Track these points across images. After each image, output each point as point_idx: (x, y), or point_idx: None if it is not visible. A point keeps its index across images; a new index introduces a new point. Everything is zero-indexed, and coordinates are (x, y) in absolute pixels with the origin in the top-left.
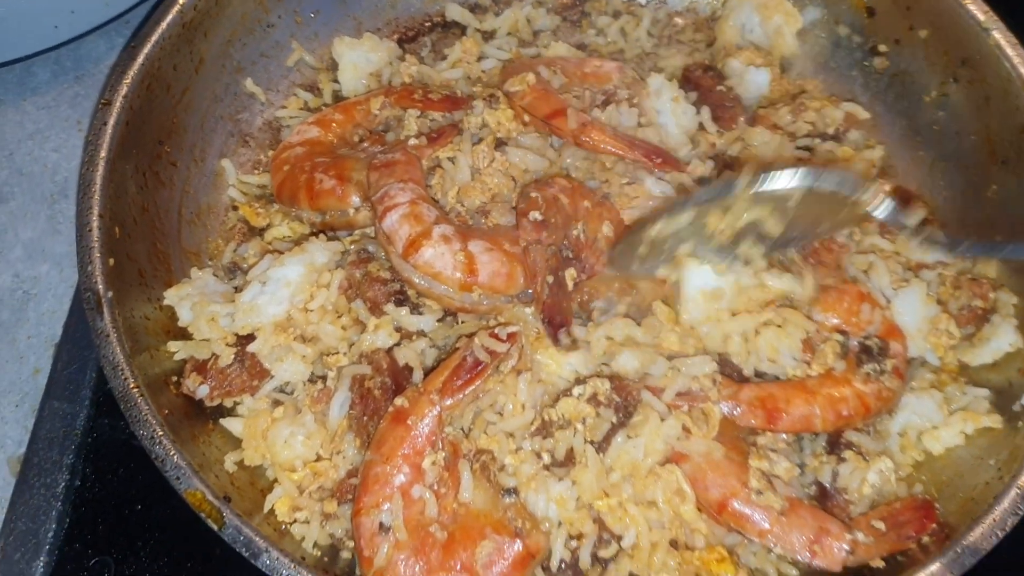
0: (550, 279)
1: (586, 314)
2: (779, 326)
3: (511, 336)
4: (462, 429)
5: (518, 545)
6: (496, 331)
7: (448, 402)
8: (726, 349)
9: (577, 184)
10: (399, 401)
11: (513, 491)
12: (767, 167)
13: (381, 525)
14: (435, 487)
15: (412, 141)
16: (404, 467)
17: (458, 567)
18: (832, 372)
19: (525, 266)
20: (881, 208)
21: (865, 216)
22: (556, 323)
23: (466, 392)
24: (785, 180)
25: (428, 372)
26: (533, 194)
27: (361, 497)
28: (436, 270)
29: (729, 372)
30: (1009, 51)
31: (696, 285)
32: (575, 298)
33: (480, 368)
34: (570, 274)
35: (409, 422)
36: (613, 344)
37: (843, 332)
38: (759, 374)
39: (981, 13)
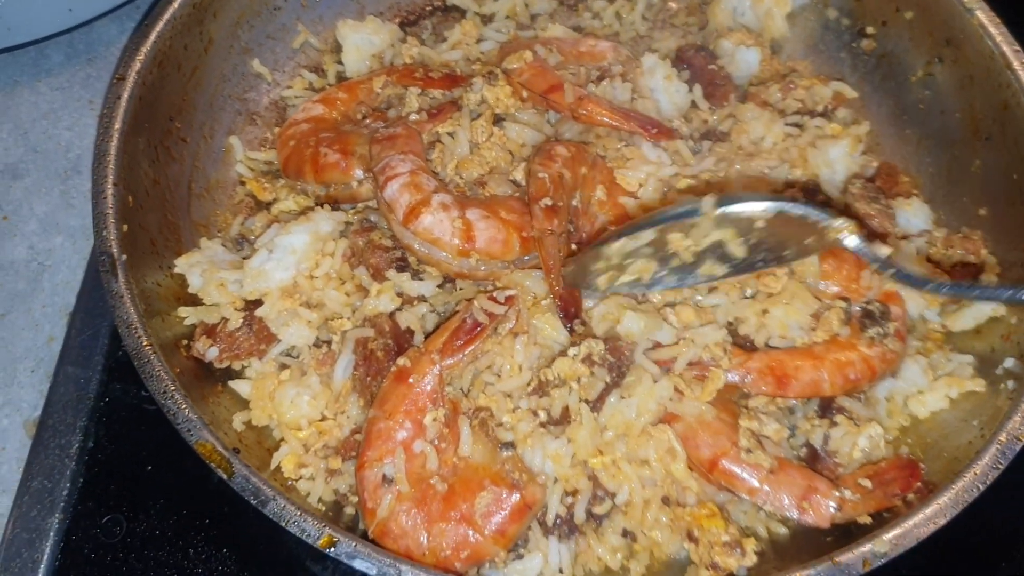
0: (564, 270)
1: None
2: (787, 303)
3: (508, 299)
4: (461, 390)
5: (516, 496)
6: (494, 295)
7: (448, 361)
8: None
9: (576, 149)
10: (401, 361)
11: (510, 445)
12: (733, 192)
13: (384, 477)
14: (436, 442)
15: (413, 117)
16: (406, 423)
17: (458, 517)
18: (837, 338)
19: (522, 236)
20: (849, 239)
21: (834, 242)
22: (570, 314)
23: (465, 352)
24: (752, 206)
25: (429, 335)
26: (541, 174)
27: (365, 451)
28: (435, 236)
29: (738, 341)
30: (992, 30)
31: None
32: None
33: (479, 329)
34: (569, 246)
35: (411, 380)
36: (613, 313)
37: (844, 299)
38: (768, 346)
39: None
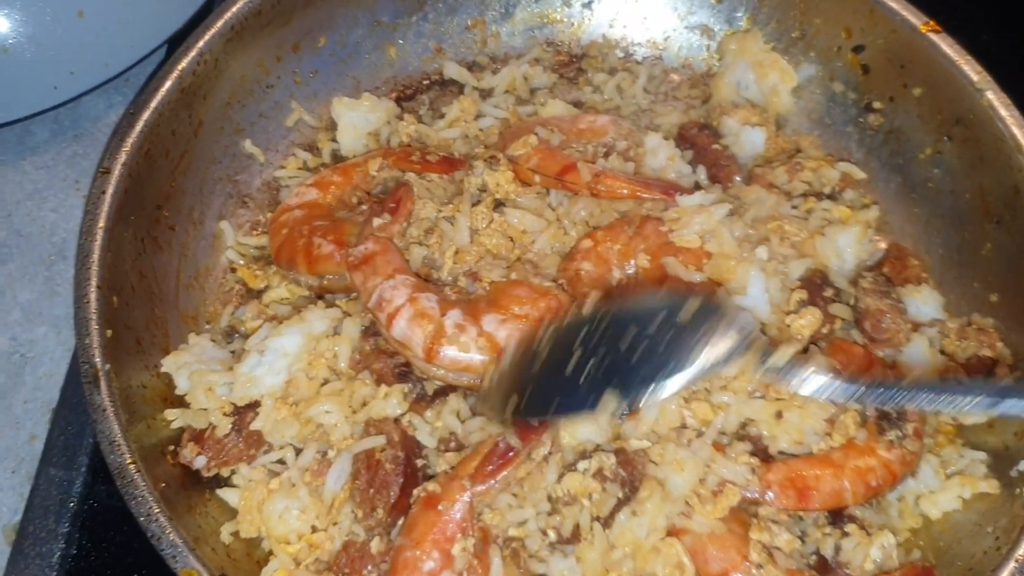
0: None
1: None
2: (800, 407)
3: (543, 423)
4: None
5: None
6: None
7: (480, 488)
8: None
9: (600, 235)
10: (431, 487)
11: None
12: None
13: None
14: (464, 574)
15: (376, 221)
16: (434, 552)
17: None
18: (854, 442)
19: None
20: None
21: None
22: None
23: (498, 478)
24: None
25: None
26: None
27: None
28: (463, 365)
29: (753, 451)
30: (1002, 112)
31: None
32: None
33: (512, 454)
34: None
35: (440, 507)
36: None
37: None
38: (782, 452)
39: (975, 73)
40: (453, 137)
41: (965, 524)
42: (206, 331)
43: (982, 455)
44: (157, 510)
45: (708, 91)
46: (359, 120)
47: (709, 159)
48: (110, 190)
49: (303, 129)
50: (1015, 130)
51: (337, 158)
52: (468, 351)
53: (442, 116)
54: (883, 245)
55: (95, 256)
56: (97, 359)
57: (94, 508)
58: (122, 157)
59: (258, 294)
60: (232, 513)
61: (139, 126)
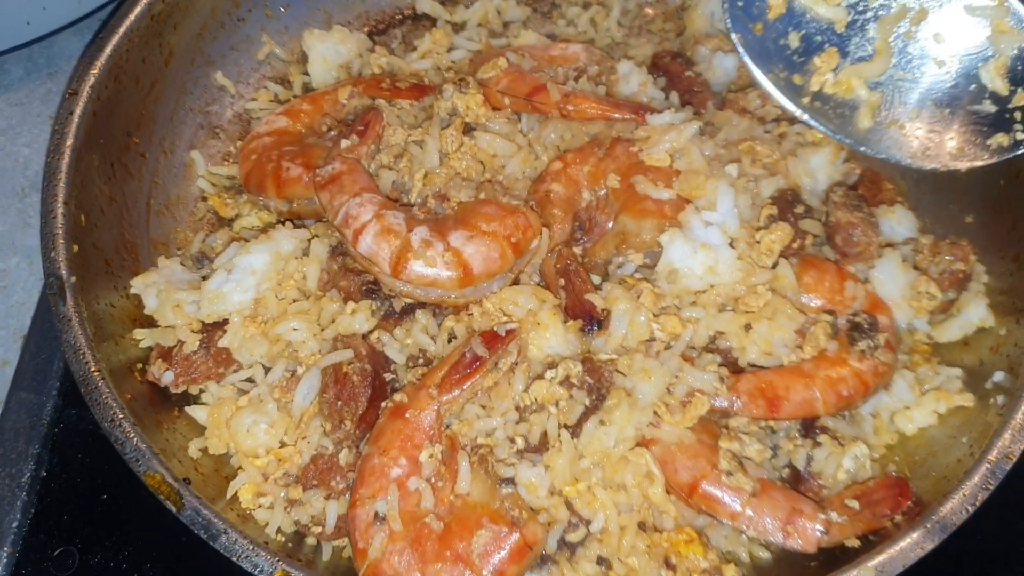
0: (560, 282)
1: (602, 275)
2: (769, 319)
3: (509, 333)
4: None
5: (516, 535)
6: (495, 328)
7: (447, 397)
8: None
9: (570, 157)
10: (398, 396)
11: (511, 481)
12: None
13: (376, 516)
14: (432, 480)
15: (343, 143)
16: (401, 460)
17: (454, 557)
18: (826, 353)
19: (512, 242)
20: None
21: None
22: (584, 318)
23: (465, 387)
24: None
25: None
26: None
27: (357, 489)
28: (430, 279)
29: (722, 363)
30: None
31: (676, 257)
32: (587, 270)
33: (479, 363)
34: (575, 253)
35: (407, 416)
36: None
37: (829, 312)
38: (753, 364)
39: None
40: (425, 68)
41: (940, 438)
42: (177, 256)
43: (957, 371)
44: (121, 416)
45: (682, 24)
46: (330, 52)
47: (682, 85)
48: (78, 111)
49: (274, 62)
50: None
51: (308, 91)
52: (435, 266)
53: (414, 49)
54: (858, 170)
55: (63, 173)
56: (63, 271)
57: (64, 431)
58: (90, 80)
59: (229, 222)
60: (200, 430)
61: (108, 50)
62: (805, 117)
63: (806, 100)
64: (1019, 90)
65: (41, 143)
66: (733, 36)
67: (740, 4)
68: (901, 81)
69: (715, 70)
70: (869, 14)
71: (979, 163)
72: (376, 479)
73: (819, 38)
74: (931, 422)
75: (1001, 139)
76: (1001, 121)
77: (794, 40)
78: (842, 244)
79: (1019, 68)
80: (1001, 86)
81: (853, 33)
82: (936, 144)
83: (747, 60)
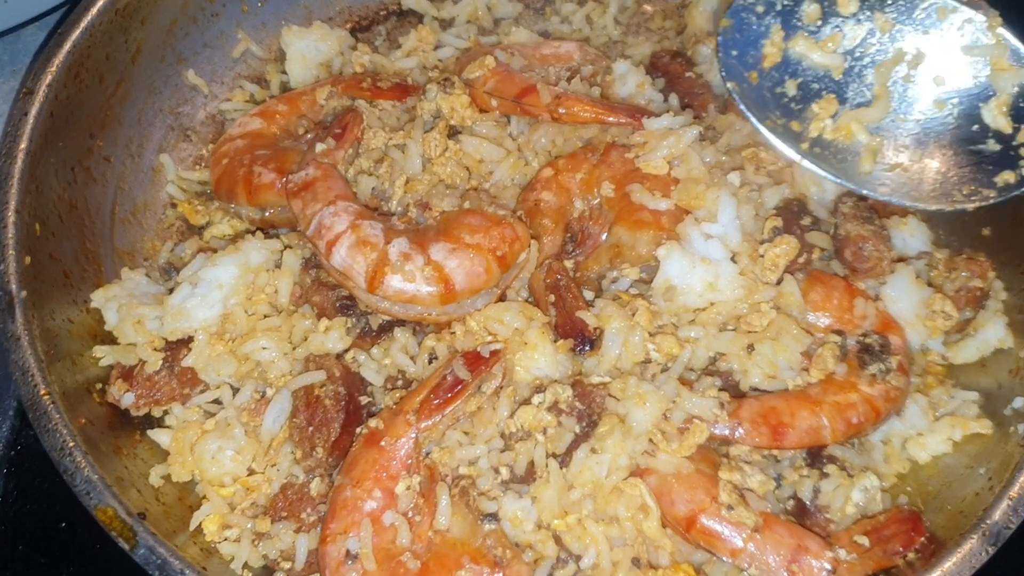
0: (550, 298)
1: (595, 290)
2: (774, 340)
3: (494, 354)
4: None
5: None
6: (478, 348)
7: (426, 423)
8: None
9: (562, 164)
10: (373, 423)
11: (493, 517)
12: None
13: (348, 553)
14: (409, 513)
15: (319, 147)
16: (376, 492)
17: None
18: (834, 377)
19: (497, 256)
20: None
21: None
22: (575, 337)
23: (445, 412)
24: None
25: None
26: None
27: (328, 523)
28: (409, 295)
29: (723, 387)
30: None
31: (674, 273)
32: (579, 285)
33: (461, 387)
34: (566, 267)
35: (383, 444)
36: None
37: (838, 331)
38: (755, 388)
39: None
40: (410, 67)
41: (956, 467)
42: (143, 267)
43: (974, 395)
44: (72, 444)
45: (682, 22)
46: (309, 50)
47: (682, 87)
48: (33, 111)
49: (250, 60)
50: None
51: (286, 90)
52: (414, 281)
53: (400, 47)
54: None
55: (15, 179)
56: (12, 285)
57: (21, 453)
58: (47, 78)
59: (199, 231)
60: (164, 456)
61: (67, 46)
62: (805, 163)
63: (805, 146)
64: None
65: None
66: (728, 85)
67: (735, 54)
68: (902, 124)
69: (717, 71)
70: (866, 60)
71: (987, 202)
72: (348, 513)
73: (816, 85)
74: (946, 450)
75: (1008, 176)
76: (1006, 158)
77: (791, 88)
78: (852, 259)
79: (1022, 105)
80: (1004, 124)
81: (851, 79)
82: (941, 185)
83: (743, 108)
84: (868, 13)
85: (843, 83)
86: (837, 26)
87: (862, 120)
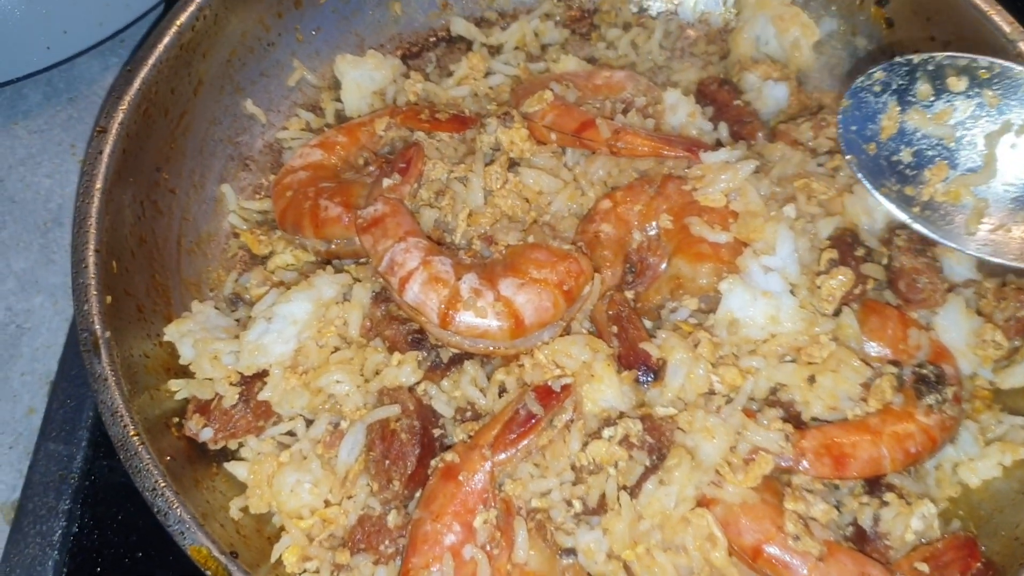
0: (613, 329)
1: (654, 320)
2: (834, 371)
3: (565, 388)
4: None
5: None
6: (549, 383)
7: (501, 457)
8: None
9: (620, 196)
10: (449, 457)
11: (571, 551)
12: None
13: None
14: (487, 547)
15: (385, 182)
16: (454, 525)
17: None
18: (891, 407)
19: (564, 291)
20: None
21: None
22: (638, 368)
23: (519, 447)
24: None
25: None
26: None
27: (409, 558)
28: (480, 331)
29: (785, 417)
30: None
31: (736, 306)
32: (639, 316)
33: (534, 422)
34: (627, 298)
35: (460, 478)
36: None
37: (893, 362)
38: (815, 418)
39: (1006, 24)
40: (462, 95)
41: (1007, 492)
42: (209, 298)
43: (1022, 420)
44: (163, 484)
45: (726, 47)
46: (363, 78)
47: (731, 115)
48: (107, 150)
49: (306, 89)
50: None
51: (341, 119)
52: (485, 316)
53: (450, 74)
54: None
55: (93, 219)
56: (97, 326)
57: (95, 484)
58: (119, 116)
59: (263, 260)
60: (241, 488)
61: (137, 83)
62: (917, 226)
63: (916, 210)
64: None
65: (63, 173)
66: (847, 158)
67: (854, 128)
68: (1007, 187)
69: (765, 99)
70: (976, 129)
71: None
72: (430, 547)
73: (930, 152)
74: (996, 475)
75: None
76: None
77: (906, 156)
78: (906, 290)
79: None
80: None
81: (961, 147)
82: None
83: (861, 178)
84: (977, 90)
85: (955, 150)
86: (949, 101)
87: (970, 184)
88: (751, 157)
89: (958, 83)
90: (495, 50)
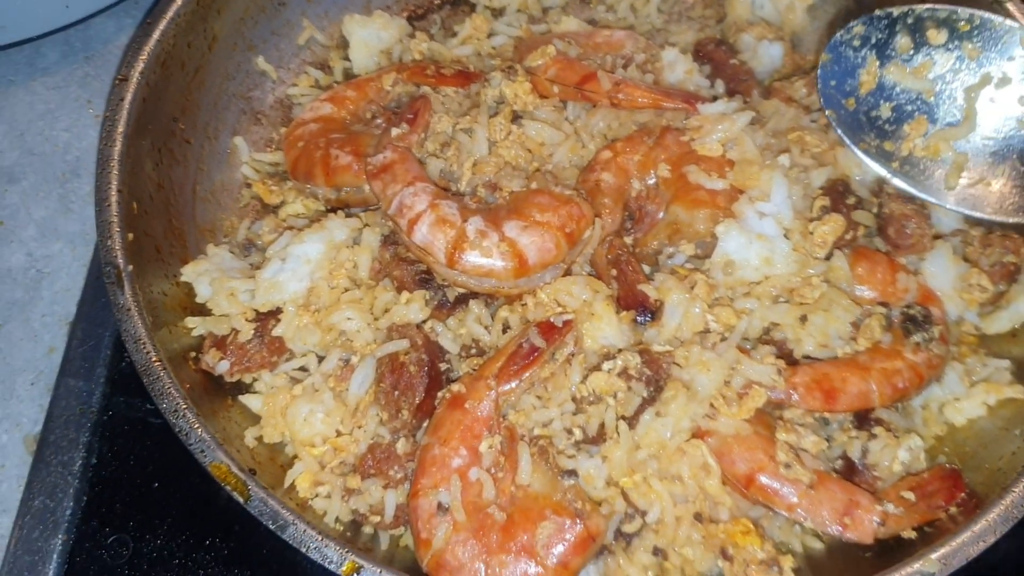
0: (612, 272)
1: (652, 265)
2: (825, 311)
3: (566, 324)
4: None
5: (579, 526)
6: (551, 318)
7: (505, 387)
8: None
9: (620, 146)
10: (456, 387)
11: (573, 473)
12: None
13: (439, 506)
14: (492, 470)
15: (394, 131)
16: (461, 450)
17: (518, 548)
18: (880, 346)
19: (566, 233)
20: None
21: None
22: (637, 309)
23: (523, 378)
24: None
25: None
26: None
27: (419, 479)
28: (486, 269)
29: (777, 355)
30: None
31: (732, 249)
32: (638, 260)
33: (537, 354)
34: (626, 243)
35: (467, 406)
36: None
37: (882, 304)
38: (807, 356)
39: None
40: (466, 55)
41: (990, 430)
42: (224, 243)
43: (1006, 363)
44: (184, 405)
45: (722, 10)
46: (371, 38)
47: (727, 74)
48: (128, 97)
49: (315, 47)
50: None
51: (349, 76)
52: (490, 256)
53: (454, 35)
54: None
55: (116, 161)
56: (120, 260)
57: (113, 418)
58: (139, 66)
59: (274, 209)
60: (255, 419)
61: (156, 35)
62: (896, 181)
63: (896, 165)
64: None
65: (80, 127)
66: (827, 113)
67: (833, 83)
68: (986, 141)
69: (760, 59)
70: (955, 83)
71: None
72: (437, 469)
73: (909, 107)
74: (981, 414)
75: None
76: None
77: (886, 111)
78: (895, 236)
79: None
80: None
81: (941, 101)
82: (1021, 198)
83: (840, 133)
84: (956, 43)
85: (934, 104)
86: (928, 54)
87: (949, 138)
88: (747, 109)
89: (938, 36)
90: (498, 12)
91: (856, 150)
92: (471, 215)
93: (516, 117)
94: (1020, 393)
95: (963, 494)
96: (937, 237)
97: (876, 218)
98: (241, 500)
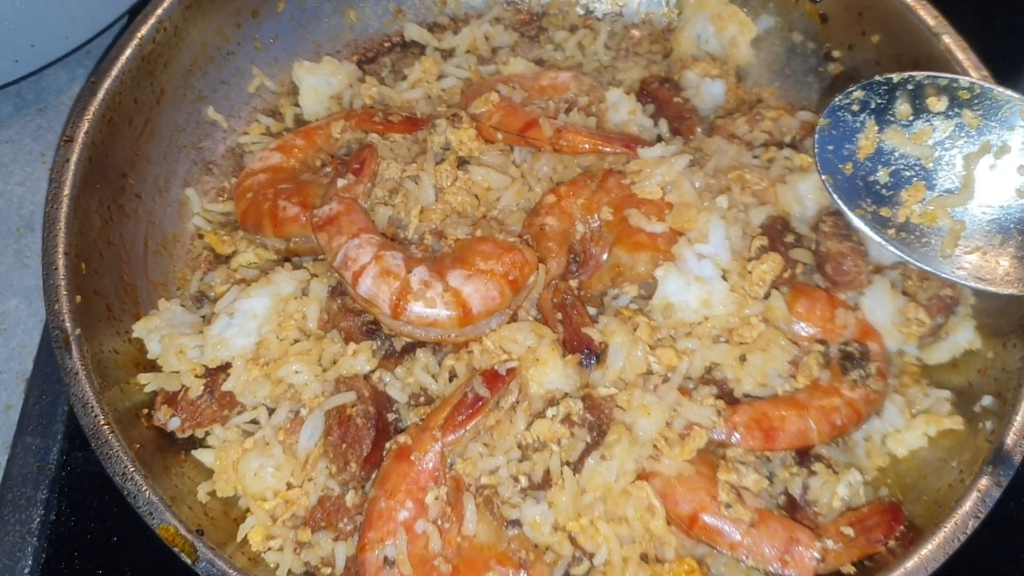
0: (558, 316)
1: (597, 307)
2: (763, 350)
3: (510, 372)
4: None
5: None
6: (495, 367)
7: (450, 438)
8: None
9: (563, 190)
10: (402, 438)
11: (516, 523)
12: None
13: (386, 559)
14: (439, 521)
15: (340, 182)
16: (407, 502)
17: None
18: (819, 383)
19: (509, 280)
20: None
21: None
22: (582, 352)
23: (468, 427)
24: None
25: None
26: (524, 237)
27: (365, 533)
28: (430, 319)
29: (719, 394)
30: (959, 55)
31: (671, 292)
32: (583, 303)
33: (481, 404)
34: (571, 287)
35: (412, 458)
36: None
37: (821, 340)
38: (747, 395)
39: (931, 18)
40: (416, 98)
41: (931, 460)
42: (176, 297)
43: (946, 393)
44: (132, 469)
45: (669, 46)
46: (320, 84)
47: (671, 112)
48: (74, 158)
49: (265, 95)
50: (972, 72)
51: (300, 123)
52: (435, 306)
53: (404, 78)
54: None
55: (62, 224)
56: (67, 324)
57: (72, 474)
58: (84, 125)
59: (226, 259)
60: (208, 473)
61: (101, 94)
62: (891, 248)
63: (891, 232)
64: None
65: (34, 181)
66: (823, 178)
67: (830, 148)
68: (984, 209)
69: (703, 96)
70: (955, 150)
71: None
72: (384, 522)
73: (907, 173)
74: (922, 444)
75: None
76: None
77: (883, 176)
78: (832, 273)
79: None
80: None
81: (940, 167)
82: (1016, 269)
83: (836, 199)
84: (957, 110)
85: (932, 171)
86: (928, 121)
87: (947, 205)
88: (687, 152)
89: (938, 103)
90: (447, 54)
91: (853, 217)
92: (416, 265)
93: (462, 163)
94: (959, 424)
95: (902, 527)
96: (877, 271)
97: (814, 255)
98: (189, 561)
